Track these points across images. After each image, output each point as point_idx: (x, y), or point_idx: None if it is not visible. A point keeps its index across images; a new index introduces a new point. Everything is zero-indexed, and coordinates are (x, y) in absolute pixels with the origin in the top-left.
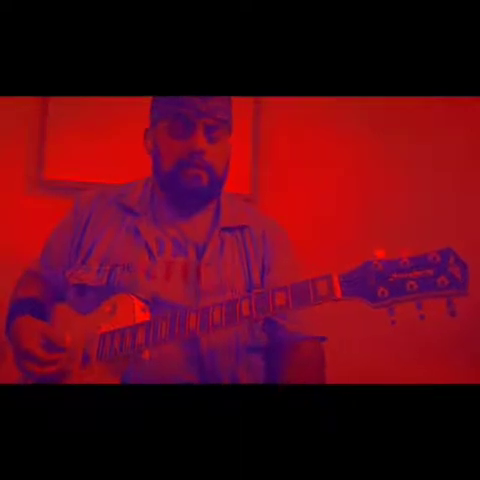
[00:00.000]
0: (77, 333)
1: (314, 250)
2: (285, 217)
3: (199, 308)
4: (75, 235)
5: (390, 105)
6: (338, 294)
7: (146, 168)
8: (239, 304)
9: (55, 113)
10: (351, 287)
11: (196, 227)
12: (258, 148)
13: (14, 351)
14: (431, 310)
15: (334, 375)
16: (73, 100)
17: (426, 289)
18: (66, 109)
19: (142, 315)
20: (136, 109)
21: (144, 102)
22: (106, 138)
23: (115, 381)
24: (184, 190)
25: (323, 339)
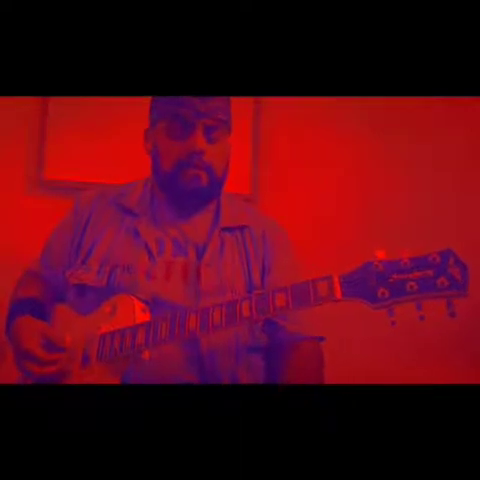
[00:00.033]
0: (77, 333)
1: (314, 250)
2: (285, 217)
3: (199, 308)
4: (75, 235)
5: (390, 105)
6: (338, 295)
7: (146, 168)
8: (239, 305)
9: (55, 113)
10: (351, 288)
11: (196, 227)
12: (258, 148)
13: (14, 351)
14: (431, 311)
15: (334, 375)
16: (73, 100)
17: (426, 290)
18: (66, 109)
19: (142, 315)
20: (136, 109)
21: (144, 102)
22: (106, 138)
23: (115, 381)
24: (184, 190)
25: (321, 339)
